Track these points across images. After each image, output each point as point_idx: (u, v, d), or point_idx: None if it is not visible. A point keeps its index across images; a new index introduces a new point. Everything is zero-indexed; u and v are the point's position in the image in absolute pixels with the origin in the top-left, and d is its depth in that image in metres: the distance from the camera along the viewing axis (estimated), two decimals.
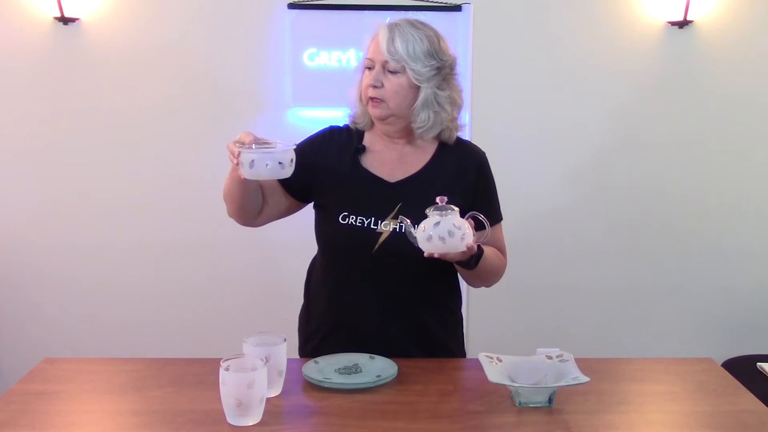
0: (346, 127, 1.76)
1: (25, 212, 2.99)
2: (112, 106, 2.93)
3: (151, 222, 3.00)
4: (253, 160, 1.44)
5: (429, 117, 1.64)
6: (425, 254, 1.46)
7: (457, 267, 1.63)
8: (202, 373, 1.55)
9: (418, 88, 1.62)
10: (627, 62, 2.96)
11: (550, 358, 1.50)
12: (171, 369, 1.59)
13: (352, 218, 1.64)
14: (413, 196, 1.62)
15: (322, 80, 2.88)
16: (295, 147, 1.51)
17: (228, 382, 1.31)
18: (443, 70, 1.64)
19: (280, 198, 1.72)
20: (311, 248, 1.80)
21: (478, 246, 1.52)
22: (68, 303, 3.04)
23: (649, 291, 3.10)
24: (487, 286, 1.77)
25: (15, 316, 3.04)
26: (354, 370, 1.55)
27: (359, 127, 1.74)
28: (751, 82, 2.97)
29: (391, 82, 1.62)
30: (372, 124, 1.72)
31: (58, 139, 2.95)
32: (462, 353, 1.82)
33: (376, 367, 1.56)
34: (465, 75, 2.83)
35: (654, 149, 3.01)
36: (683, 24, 2.89)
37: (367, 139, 1.73)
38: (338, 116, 1.81)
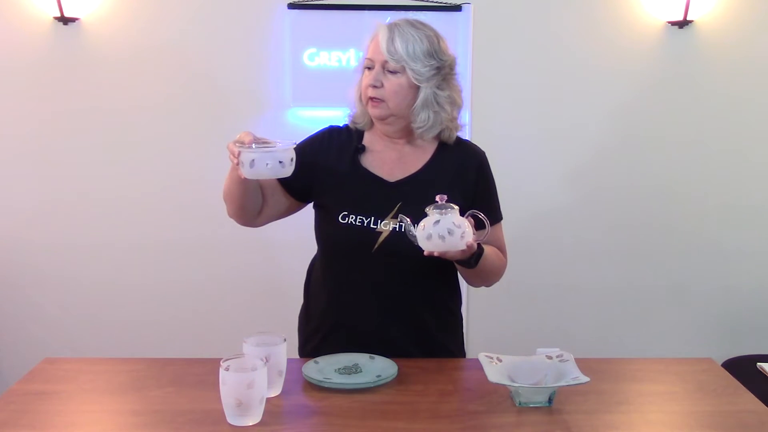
0: (346, 127, 1.76)
1: (25, 212, 2.99)
2: (112, 106, 2.93)
3: (151, 222, 3.00)
4: (253, 160, 1.44)
5: (429, 117, 1.64)
6: (425, 253, 1.46)
7: (458, 266, 1.63)
8: (202, 373, 1.55)
9: (417, 88, 1.62)
10: (627, 62, 2.96)
11: (550, 358, 1.50)
12: (171, 369, 1.59)
13: (352, 218, 1.64)
14: (413, 196, 1.62)
15: (322, 80, 2.88)
16: (295, 146, 1.51)
17: (228, 382, 1.31)
18: (443, 70, 1.64)
19: (280, 198, 1.72)
20: (311, 248, 1.80)
21: (479, 245, 1.52)
22: (68, 303, 3.04)
23: (649, 291, 3.10)
24: (487, 286, 1.77)
25: (15, 316, 3.04)
26: (354, 370, 1.55)
27: (359, 127, 1.74)
28: (751, 82, 2.97)
29: (391, 82, 1.62)
30: (372, 124, 1.72)
31: (58, 139, 2.95)
32: (462, 353, 1.82)
33: (376, 367, 1.56)
34: (465, 75, 2.83)
35: (654, 149, 3.01)
36: (683, 24, 2.89)
37: (367, 139, 1.73)
38: (338, 116, 1.81)
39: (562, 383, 1.41)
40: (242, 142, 1.47)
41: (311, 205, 1.76)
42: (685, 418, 1.40)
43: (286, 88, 2.92)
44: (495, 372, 1.43)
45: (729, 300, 3.11)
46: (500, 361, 1.49)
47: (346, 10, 2.85)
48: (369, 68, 1.65)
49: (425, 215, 1.46)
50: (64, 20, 2.83)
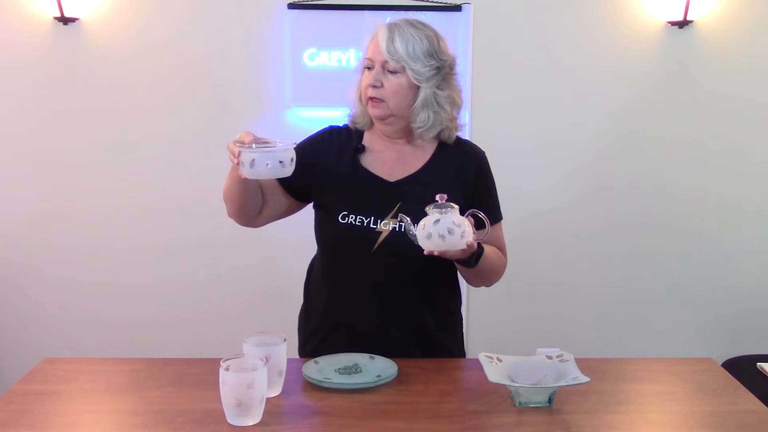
0: (346, 127, 1.76)
1: (25, 212, 2.99)
2: (112, 106, 2.93)
3: (151, 222, 3.00)
4: (253, 160, 1.44)
5: (429, 117, 1.64)
6: (425, 252, 1.46)
7: (458, 265, 1.63)
8: (202, 373, 1.55)
9: (417, 88, 1.62)
10: (627, 62, 2.96)
11: (550, 358, 1.50)
12: (171, 369, 1.59)
13: (352, 218, 1.64)
14: (413, 196, 1.62)
15: (322, 80, 2.88)
16: (295, 146, 1.51)
17: (228, 382, 1.31)
18: (443, 69, 1.64)
19: (280, 198, 1.72)
20: (311, 248, 1.80)
21: (479, 244, 1.52)
22: (68, 303, 3.04)
23: (649, 291, 3.10)
24: (487, 286, 1.77)
25: (15, 316, 3.04)
26: (354, 370, 1.55)
27: (358, 127, 1.74)
28: (751, 82, 2.97)
29: (391, 82, 1.62)
30: (371, 123, 1.72)
31: (58, 139, 2.95)
32: (462, 353, 1.82)
33: (376, 367, 1.56)
34: (465, 75, 2.83)
35: (654, 149, 3.01)
36: (683, 24, 2.89)
37: (367, 139, 1.73)
38: (338, 116, 1.81)
39: (562, 383, 1.41)
40: (242, 142, 1.47)
41: (311, 205, 1.76)
42: (685, 418, 1.40)
43: (286, 88, 2.92)
44: (495, 372, 1.43)
45: (729, 300, 3.11)
46: (500, 361, 1.49)
47: (346, 10, 2.85)
48: (369, 68, 1.65)
49: (425, 214, 1.46)
50: (64, 20, 2.83)
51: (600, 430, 1.33)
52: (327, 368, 1.55)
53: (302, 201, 1.75)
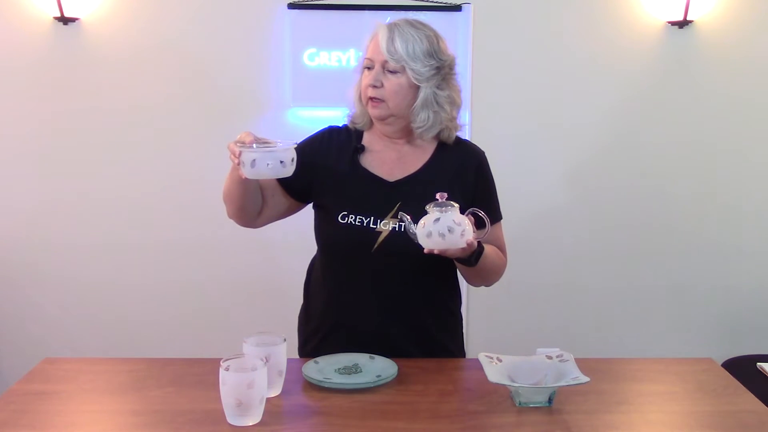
0: (345, 127, 1.76)
1: (25, 212, 2.99)
2: (112, 106, 2.93)
3: (151, 222, 3.00)
4: (254, 160, 1.44)
5: (428, 117, 1.64)
6: (425, 251, 1.46)
7: (458, 265, 1.63)
8: (202, 373, 1.55)
9: (417, 88, 1.63)
10: (627, 62, 2.96)
11: (550, 358, 1.50)
12: (171, 369, 1.59)
13: (352, 218, 1.64)
14: (412, 196, 1.62)
15: (322, 80, 2.88)
16: (295, 146, 1.51)
17: (228, 382, 1.31)
18: (443, 69, 1.64)
19: (280, 198, 1.72)
20: (311, 248, 1.80)
21: (479, 243, 1.52)
22: (68, 303, 3.04)
23: (649, 291, 3.10)
24: (487, 285, 1.77)
25: (15, 316, 3.04)
26: (354, 370, 1.55)
27: (358, 127, 1.74)
28: (751, 82, 2.97)
29: (391, 82, 1.62)
30: (371, 124, 1.72)
31: (58, 139, 2.95)
32: (462, 353, 1.82)
33: (376, 367, 1.56)
34: (465, 75, 2.83)
35: (654, 149, 3.01)
36: (683, 24, 2.89)
37: (366, 139, 1.73)
38: (338, 116, 1.81)
39: (562, 383, 1.41)
40: (243, 142, 1.46)
41: (311, 205, 1.76)
42: (685, 418, 1.40)
43: (286, 88, 2.92)
44: (495, 372, 1.43)
45: (729, 300, 3.11)
46: (500, 361, 1.49)
47: (346, 10, 2.85)
48: (368, 68, 1.65)
49: (425, 213, 1.46)
50: (64, 20, 2.83)
51: (600, 430, 1.33)
52: (327, 368, 1.55)
53: (302, 201, 1.75)
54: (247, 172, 1.45)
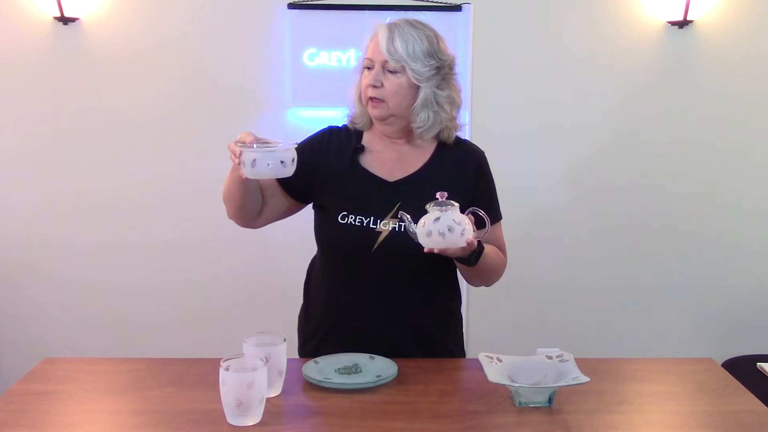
0: (345, 127, 1.76)
1: (25, 212, 2.99)
2: (112, 106, 2.93)
3: (151, 222, 3.00)
4: (254, 159, 1.43)
5: (428, 117, 1.64)
6: (425, 250, 1.46)
7: (458, 264, 1.63)
8: (202, 373, 1.55)
9: (417, 88, 1.62)
10: (627, 62, 2.96)
11: (550, 358, 1.50)
12: (171, 369, 1.59)
13: (351, 218, 1.64)
14: (412, 196, 1.62)
15: (322, 80, 2.88)
16: (296, 146, 1.51)
17: (228, 382, 1.31)
18: (442, 69, 1.64)
19: (280, 199, 1.72)
20: (311, 248, 1.80)
21: (479, 242, 1.52)
22: (68, 303, 3.04)
23: (649, 291, 3.10)
24: (487, 285, 1.77)
25: (15, 316, 3.05)
26: (354, 370, 1.55)
27: (358, 127, 1.74)
28: (751, 82, 2.97)
29: (391, 82, 1.62)
30: (371, 124, 1.72)
31: (58, 139, 2.95)
32: (462, 353, 1.82)
33: (376, 367, 1.56)
34: (465, 75, 2.83)
35: (654, 149, 3.02)
36: (683, 24, 2.89)
37: (366, 139, 1.73)
38: (338, 116, 1.81)
39: (562, 383, 1.41)
40: (243, 142, 1.46)
41: (311, 205, 1.76)
42: (685, 418, 1.40)
43: (286, 88, 2.92)
44: (495, 372, 1.43)
45: (729, 300, 3.11)
46: (500, 361, 1.49)
47: (346, 10, 2.85)
48: (368, 68, 1.65)
49: (425, 212, 1.46)
50: (64, 20, 2.83)
51: (600, 430, 1.33)
52: (327, 368, 1.55)
53: (302, 202, 1.75)
54: (247, 172, 1.45)
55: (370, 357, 1.60)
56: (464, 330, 1.85)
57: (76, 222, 2.99)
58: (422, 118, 1.64)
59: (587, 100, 2.98)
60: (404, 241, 1.52)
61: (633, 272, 3.09)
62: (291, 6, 2.86)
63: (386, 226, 1.63)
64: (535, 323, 3.09)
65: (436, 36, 1.65)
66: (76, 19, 2.85)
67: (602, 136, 3.01)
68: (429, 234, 1.43)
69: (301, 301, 1.85)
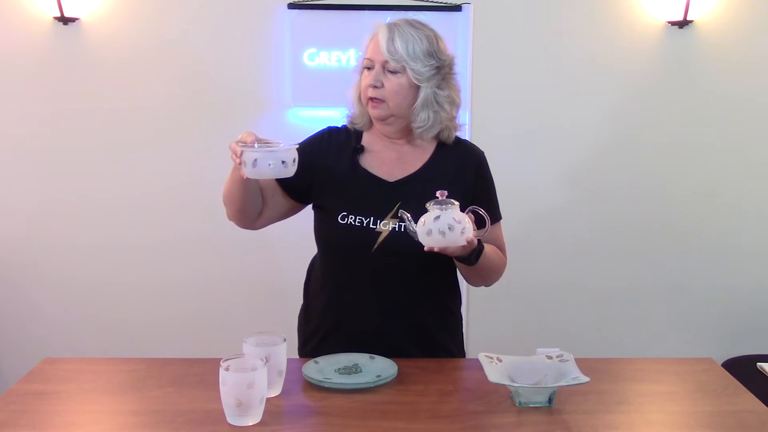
0: (345, 128, 1.76)
1: (25, 212, 2.99)
2: (112, 106, 2.93)
3: (151, 222, 3.00)
4: (255, 159, 1.43)
5: (429, 117, 1.64)
6: (425, 248, 1.46)
7: (458, 264, 1.63)
8: (202, 373, 1.55)
9: (417, 88, 1.63)
10: (627, 62, 2.96)
11: (550, 358, 1.50)
12: (171, 369, 1.59)
13: (351, 218, 1.64)
14: (412, 196, 1.62)
15: (322, 80, 2.88)
16: (297, 146, 1.51)
17: (228, 382, 1.31)
18: (442, 69, 1.64)
19: (280, 200, 1.72)
20: (311, 248, 1.80)
21: (479, 241, 1.52)
22: (68, 303, 3.04)
23: (649, 291, 3.10)
24: (486, 285, 1.77)
25: (15, 316, 3.05)
26: (354, 370, 1.55)
27: (357, 127, 1.74)
28: (751, 82, 2.97)
29: (391, 82, 1.62)
30: (370, 124, 1.72)
31: (58, 139, 2.95)
32: (462, 353, 1.82)
33: (376, 367, 1.56)
34: (465, 75, 2.83)
35: (654, 149, 3.02)
36: (683, 24, 2.89)
37: (366, 140, 1.73)
38: (338, 116, 1.81)
39: (562, 383, 1.41)
40: (244, 142, 1.46)
41: (311, 205, 1.76)
42: (685, 418, 1.40)
43: (286, 88, 2.92)
44: (495, 372, 1.43)
45: (729, 300, 3.11)
46: (500, 361, 1.49)
47: (346, 10, 2.85)
48: (368, 68, 1.65)
49: (426, 211, 1.46)
50: (64, 20, 2.83)
51: (600, 430, 1.33)
52: (327, 368, 1.55)
53: (302, 202, 1.75)
54: (248, 172, 1.45)
55: (370, 357, 1.60)
56: (464, 330, 1.85)
57: (76, 222, 2.99)
58: (422, 118, 1.64)
59: (587, 100, 2.98)
60: (404, 241, 1.52)
61: (633, 272, 3.09)
62: (291, 6, 2.86)
63: (386, 226, 1.63)
64: (535, 323, 3.09)
65: (436, 36, 1.65)
66: (76, 19, 2.85)
67: (602, 136, 3.01)
68: (429, 233, 1.43)
69: (301, 301, 1.85)
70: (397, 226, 1.62)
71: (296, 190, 1.70)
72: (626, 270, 3.09)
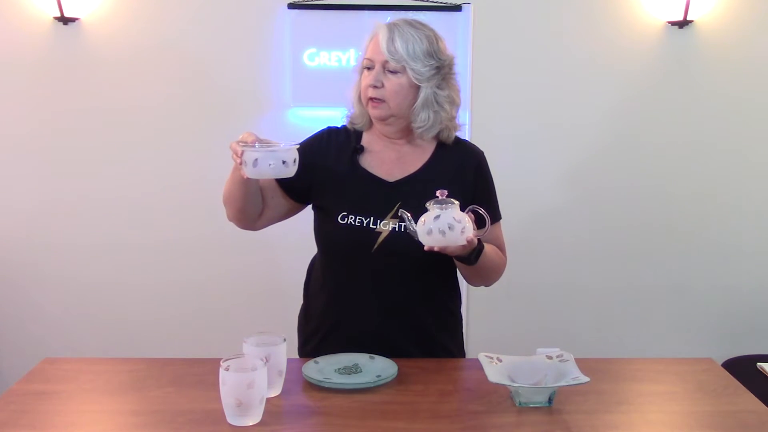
0: (344, 128, 1.76)
1: (25, 212, 2.99)
2: (112, 106, 2.93)
3: (151, 222, 3.00)
4: (256, 159, 1.43)
5: (429, 117, 1.64)
6: (425, 248, 1.46)
7: (458, 263, 1.63)
8: (202, 373, 1.55)
9: (418, 88, 1.63)
10: (627, 62, 2.96)
11: (550, 358, 1.50)
12: (171, 369, 1.59)
13: (351, 218, 1.64)
14: (412, 196, 1.62)
15: (322, 80, 2.88)
16: (298, 146, 1.51)
17: (228, 382, 1.31)
18: (443, 69, 1.64)
19: (280, 200, 1.72)
20: (311, 248, 1.80)
21: (479, 241, 1.52)
22: (68, 303, 3.04)
23: (649, 291, 3.10)
24: (486, 285, 1.77)
25: (15, 316, 3.05)
26: (354, 370, 1.55)
27: (357, 127, 1.74)
28: (751, 82, 2.97)
29: (392, 82, 1.62)
30: (370, 124, 1.72)
31: (58, 139, 2.95)
32: (462, 353, 1.82)
33: (376, 367, 1.56)
34: (465, 75, 2.83)
35: (654, 149, 3.02)
36: (683, 24, 2.89)
37: (366, 140, 1.73)
38: (338, 116, 1.81)
39: (562, 383, 1.41)
40: (245, 142, 1.46)
41: (311, 205, 1.76)
42: (685, 418, 1.40)
43: (286, 88, 2.92)
44: (495, 372, 1.43)
45: (729, 300, 3.11)
46: (500, 361, 1.49)
47: (346, 10, 2.85)
48: (368, 68, 1.65)
49: (426, 210, 1.46)
50: (64, 20, 2.83)
51: (600, 430, 1.33)
52: (327, 368, 1.55)
53: (302, 203, 1.75)
54: (249, 172, 1.45)
55: (370, 357, 1.60)
56: (464, 330, 1.85)
57: (76, 222, 2.99)
58: (423, 118, 1.64)
59: (587, 100, 2.98)
60: (404, 241, 1.52)
61: (633, 272, 3.09)
62: (291, 6, 2.86)
63: (386, 226, 1.63)
64: (535, 323, 3.09)
65: (436, 36, 1.65)
66: (76, 19, 2.85)
67: (602, 136, 3.01)
68: (429, 232, 1.43)
69: (301, 301, 1.85)
70: (397, 226, 1.62)
71: (296, 190, 1.70)
72: (626, 270, 3.09)
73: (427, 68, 1.61)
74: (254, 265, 3.02)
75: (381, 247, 1.63)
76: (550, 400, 1.41)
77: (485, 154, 1.76)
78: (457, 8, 2.87)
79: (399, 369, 1.54)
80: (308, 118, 2.90)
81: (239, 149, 1.45)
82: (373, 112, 1.65)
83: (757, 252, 3.08)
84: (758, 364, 2.27)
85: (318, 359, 1.59)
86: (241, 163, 1.46)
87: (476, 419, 1.36)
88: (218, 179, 1.70)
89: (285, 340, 1.47)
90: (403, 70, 1.61)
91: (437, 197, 1.46)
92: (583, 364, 1.47)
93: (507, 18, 2.93)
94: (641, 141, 3.01)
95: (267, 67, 2.93)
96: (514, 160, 2.97)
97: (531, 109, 2.99)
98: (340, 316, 1.71)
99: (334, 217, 1.65)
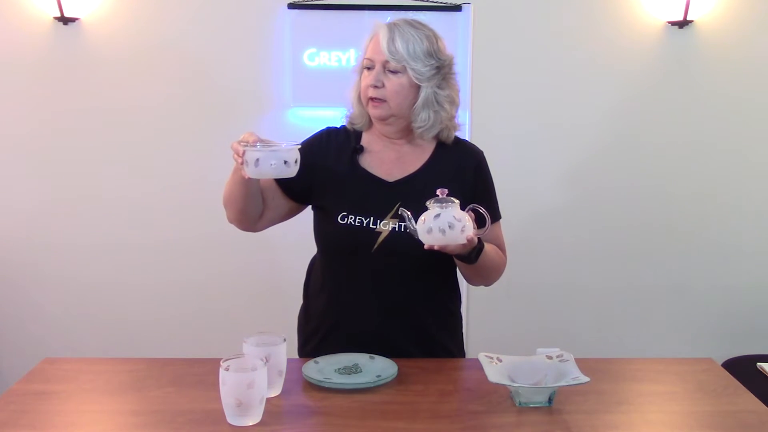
0: (344, 128, 1.76)
1: (25, 212, 2.99)
2: (112, 106, 2.93)
3: (151, 222, 3.00)
4: (258, 159, 1.43)
5: (429, 116, 1.64)
6: (425, 246, 1.46)
7: (458, 263, 1.63)
8: (202, 373, 1.55)
9: (418, 88, 1.63)
10: (627, 62, 2.96)
11: (550, 358, 1.50)
12: (171, 369, 1.59)
13: (351, 218, 1.64)
14: (412, 196, 1.61)
15: (322, 80, 2.88)
16: (299, 146, 1.51)
17: (228, 382, 1.31)
18: (443, 69, 1.64)
19: (281, 201, 1.72)
20: (311, 248, 1.80)
21: (479, 240, 1.52)
22: (68, 303, 3.04)
23: (649, 291, 3.10)
24: (487, 285, 1.76)
25: (15, 316, 3.05)
26: (354, 370, 1.55)
27: (357, 127, 1.74)
28: (751, 82, 2.97)
29: (392, 82, 1.62)
30: (370, 124, 1.72)
31: (58, 139, 2.95)
32: (462, 353, 1.82)
33: (376, 367, 1.56)
34: (465, 75, 2.83)
35: (654, 149, 3.02)
36: (683, 24, 2.89)
37: (365, 140, 1.73)
38: (338, 116, 1.81)
39: (562, 383, 1.41)
40: (246, 142, 1.46)
41: (311, 206, 1.76)
42: (685, 418, 1.40)
43: (286, 88, 2.92)
44: (495, 372, 1.43)
45: (729, 300, 3.11)
46: (500, 361, 1.49)
47: (346, 10, 2.85)
48: (368, 68, 1.65)
49: (426, 209, 1.46)
50: (64, 20, 2.83)
51: (600, 430, 1.33)
52: (327, 368, 1.55)
53: (302, 203, 1.75)
54: (250, 172, 1.45)
55: (370, 357, 1.60)
56: (464, 330, 1.85)
57: (76, 222, 2.99)
58: (423, 118, 1.64)
59: (587, 100, 2.98)
60: (404, 241, 1.52)
61: (633, 272, 3.09)
62: (291, 6, 2.86)
63: (386, 226, 1.63)
64: (535, 323, 3.09)
65: (436, 36, 1.65)
66: (76, 19, 2.85)
67: (602, 136, 3.01)
68: (429, 231, 1.43)
69: (301, 301, 1.85)
70: (397, 226, 1.62)
71: (296, 191, 1.70)
72: (626, 270, 3.09)
73: (428, 68, 1.61)
74: (254, 265, 3.02)
75: (381, 247, 1.63)
76: (550, 400, 1.41)
77: (485, 154, 1.76)
78: (457, 8, 2.87)
79: (399, 369, 1.54)
80: (308, 118, 2.90)
81: (241, 149, 1.45)
82: (374, 112, 1.65)
83: (757, 252, 3.08)
84: (758, 364, 2.27)
85: (318, 359, 1.59)
86: (242, 163, 1.46)
87: (476, 419, 1.36)
88: (218, 179, 1.70)
89: (285, 340, 1.47)
90: (404, 70, 1.61)
91: (437, 196, 1.46)
92: (583, 364, 1.47)
93: (507, 18, 2.93)
94: (641, 141, 3.01)
95: (267, 67, 2.93)
96: (514, 160, 2.97)
97: (531, 109, 2.99)
98: (340, 316, 1.71)
99: (334, 217, 1.65)
